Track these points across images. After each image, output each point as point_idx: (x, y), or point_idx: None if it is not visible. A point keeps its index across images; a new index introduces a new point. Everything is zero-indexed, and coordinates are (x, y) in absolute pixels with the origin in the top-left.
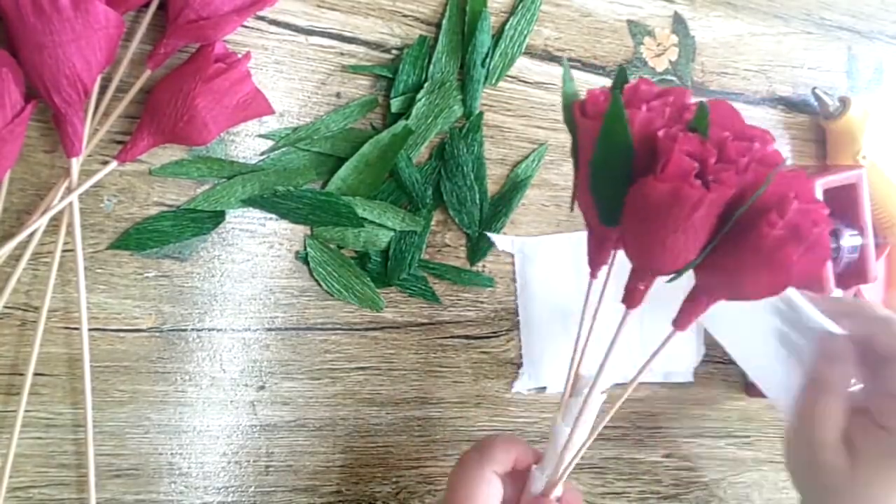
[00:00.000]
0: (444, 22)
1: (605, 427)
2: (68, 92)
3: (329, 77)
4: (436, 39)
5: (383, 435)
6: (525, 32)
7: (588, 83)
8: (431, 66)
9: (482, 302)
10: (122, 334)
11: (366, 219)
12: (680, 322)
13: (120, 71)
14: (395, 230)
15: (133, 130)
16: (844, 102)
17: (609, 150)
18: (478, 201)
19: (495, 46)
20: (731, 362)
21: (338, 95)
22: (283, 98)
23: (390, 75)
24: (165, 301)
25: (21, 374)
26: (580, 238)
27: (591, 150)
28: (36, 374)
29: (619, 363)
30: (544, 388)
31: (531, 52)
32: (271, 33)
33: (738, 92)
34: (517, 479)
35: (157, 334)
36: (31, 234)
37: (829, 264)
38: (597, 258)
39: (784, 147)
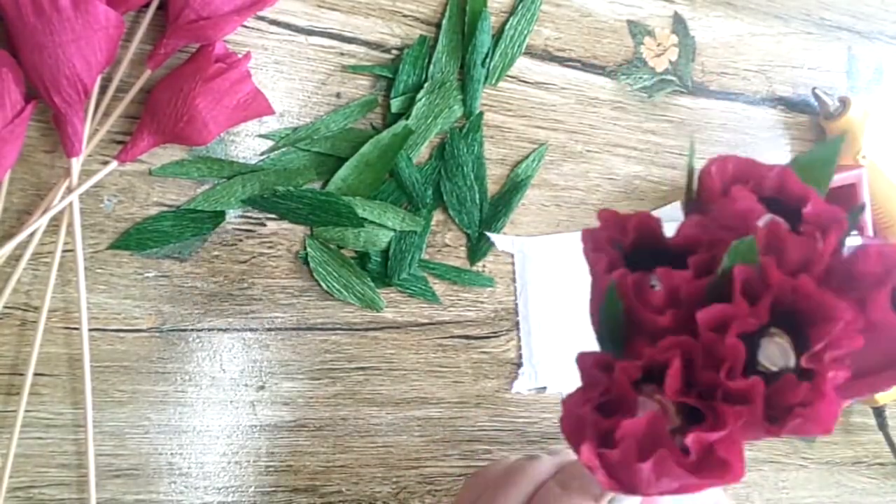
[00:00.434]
0: (444, 22)
1: None
2: (68, 92)
3: (329, 77)
4: (436, 39)
5: (383, 435)
6: (525, 32)
7: (588, 83)
8: (431, 66)
9: (482, 302)
10: (122, 334)
11: (366, 219)
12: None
13: (120, 71)
14: (395, 230)
15: (133, 130)
16: (844, 102)
17: None
18: (478, 201)
19: (495, 46)
20: None
21: (338, 95)
22: (283, 98)
23: (390, 75)
24: (165, 301)
25: (21, 375)
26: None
27: None
28: (36, 374)
29: None
30: (544, 388)
31: (531, 52)
32: (271, 33)
33: (738, 92)
34: None
35: (157, 334)
36: (31, 234)
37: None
38: None
39: (784, 147)
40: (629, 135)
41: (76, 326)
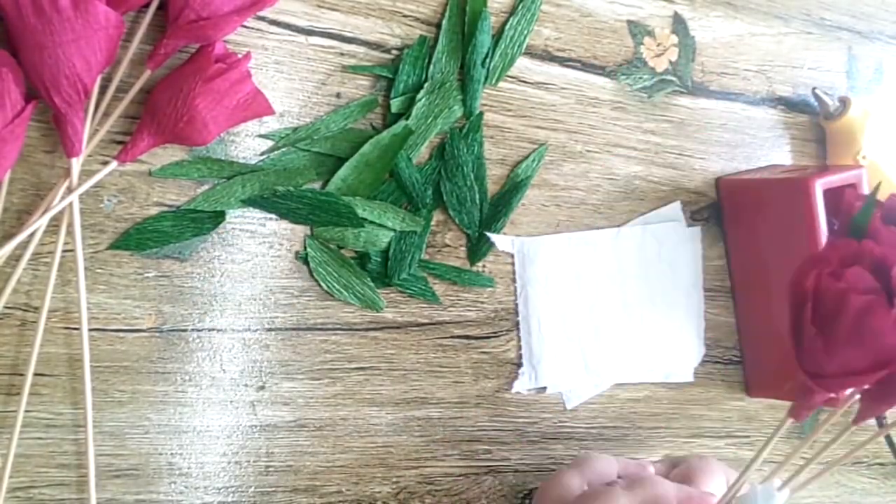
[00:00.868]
0: (444, 22)
1: (605, 427)
2: (68, 92)
3: (329, 77)
4: (436, 39)
5: (383, 435)
6: (525, 32)
7: (588, 83)
8: (431, 67)
9: (482, 302)
10: (122, 334)
11: (366, 219)
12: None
13: (120, 71)
14: (395, 230)
15: (133, 131)
16: (844, 102)
17: None
18: (478, 201)
19: (495, 46)
20: (732, 362)
21: (338, 95)
22: (283, 98)
23: (390, 75)
24: (165, 301)
25: (21, 375)
26: (580, 238)
27: None
28: (36, 375)
29: (620, 363)
30: (544, 388)
31: (531, 53)
32: (271, 33)
33: (738, 92)
34: None
35: (157, 334)
36: (31, 235)
37: None
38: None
39: (784, 147)
40: (629, 135)
41: (76, 326)
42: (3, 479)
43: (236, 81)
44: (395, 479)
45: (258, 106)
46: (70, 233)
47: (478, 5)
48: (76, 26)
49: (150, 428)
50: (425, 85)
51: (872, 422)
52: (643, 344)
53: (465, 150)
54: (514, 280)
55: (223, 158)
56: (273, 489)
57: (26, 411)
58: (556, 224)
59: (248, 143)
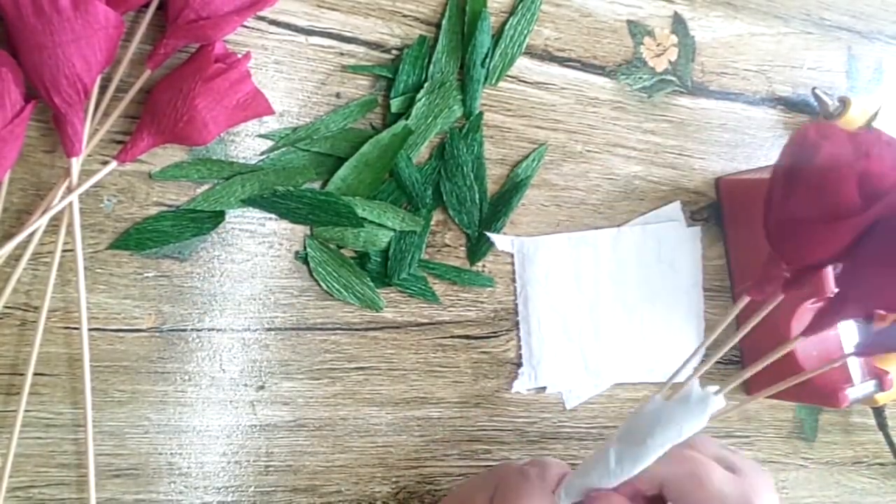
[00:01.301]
0: (444, 22)
1: (605, 427)
2: (68, 92)
3: (329, 77)
4: (436, 39)
5: (383, 435)
6: (525, 32)
7: (588, 83)
8: (431, 66)
9: (482, 302)
10: (121, 334)
11: (366, 219)
12: (809, 329)
13: (120, 71)
14: (395, 230)
15: (133, 131)
16: (844, 102)
17: None
18: (478, 201)
19: (495, 46)
20: (731, 362)
21: (338, 95)
22: (282, 98)
23: (390, 75)
24: (165, 301)
25: (21, 374)
26: (580, 238)
27: None
28: (36, 374)
29: (620, 363)
30: (544, 387)
31: (531, 52)
32: (271, 33)
33: (738, 92)
34: None
35: (157, 334)
36: (31, 234)
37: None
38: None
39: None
40: (629, 135)
41: (76, 326)
42: (2, 479)
43: (236, 81)
44: (395, 479)
45: (258, 106)
46: (70, 233)
47: (478, 5)
48: (76, 26)
49: (150, 428)
50: (425, 85)
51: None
52: (643, 344)
53: (465, 150)
54: (513, 280)
55: (223, 158)
56: (273, 489)
57: (26, 411)
58: (556, 224)
59: (248, 143)
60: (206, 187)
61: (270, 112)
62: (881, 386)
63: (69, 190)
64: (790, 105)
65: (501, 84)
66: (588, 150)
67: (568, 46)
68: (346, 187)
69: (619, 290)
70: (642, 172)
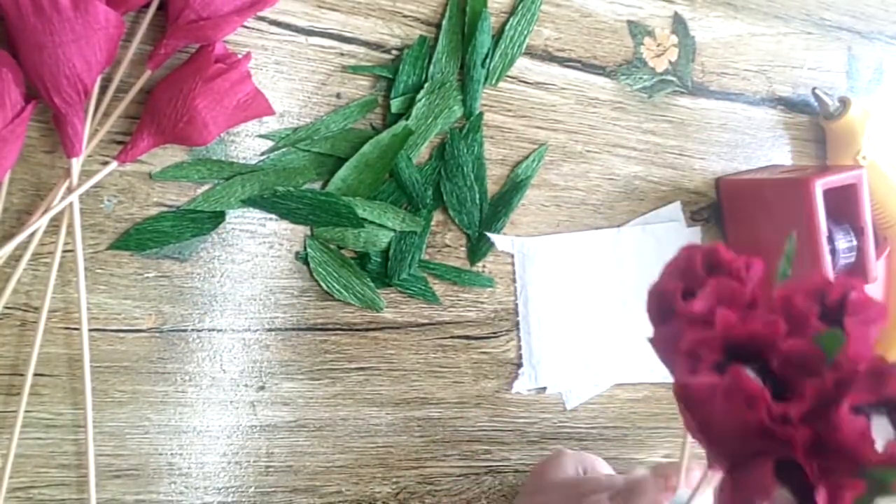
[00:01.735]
0: (444, 22)
1: (605, 427)
2: (68, 92)
3: (329, 77)
4: (436, 40)
5: (383, 435)
6: (525, 33)
7: (588, 83)
8: (431, 67)
9: (482, 302)
10: (122, 334)
11: (366, 219)
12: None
13: (120, 71)
14: (395, 230)
15: (133, 131)
16: (844, 102)
17: None
18: (478, 201)
19: (495, 47)
20: None
21: (338, 96)
22: (283, 98)
23: (390, 76)
24: (165, 301)
25: (21, 375)
26: (580, 238)
27: None
28: (36, 375)
29: (620, 363)
30: (544, 388)
31: (531, 53)
32: (271, 34)
33: (738, 92)
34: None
35: (157, 335)
36: (31, 235)
37: (829, 266)
38: None
39: (784, 147)
40: (629, 135)
41: (76, 327)
42: (3, 479)
43: (236, 82)
44: (395, 479)
45: (258, 106)
46: (70, 233)
47: (478, 5)
48: (76, 26)
49: (150, 428)
50: (425, 85)
51: None
52: (643, 344)
53: (465, 150)
54: (514, 280)
55: (223, 159)
56: (273, 489)
57: (26, 411)
58: (556, 224)
59: (248, 144)
60: (206, 187)
61: (271, 112)
62: None
63: (69, 190)
64: (790, 105)
65: (502, 84)
66: (588, 151)
67: (568, 46)
68: (347, 188)
69: (619, 290)
70: (642, 173)
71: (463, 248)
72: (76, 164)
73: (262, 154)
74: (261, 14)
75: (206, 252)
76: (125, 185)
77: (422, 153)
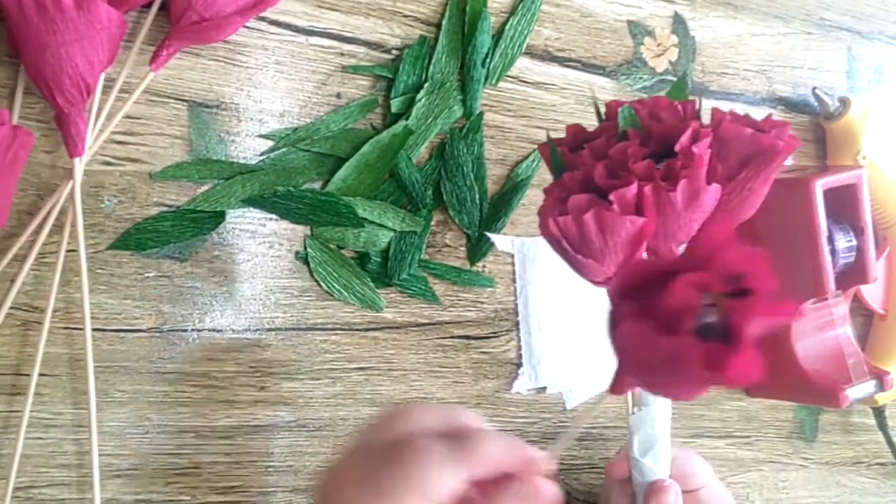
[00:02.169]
0: (444, 22)
1: (606, 427)
2: (71, 92)
3: (329, 77)
4: (436, 39)
5: None
6: (525, 32)
7: (588, 83)
8: (431, 67)
9: (482, 302)
10: (122, 334)
11: (366, 219)
12: (613, 388)
13: (123, 72)
14: (395, 230)
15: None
16: (844, 102)
17: None
18: (478, 201)
19: (495, 46)
20: None
21: (338, 96)
22: (283, 98)
23: (390, 75)
24: (165, 301)
25: (23, 375)
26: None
27: None
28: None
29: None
30: (544, 388)
31: (531, 53)
32: (272, 34)
33: (738, 92)
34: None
35: (158, 334)
36: (33, 235)
37: (829, 266)
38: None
39: None
40: None
41: (77, 326)
42: (9, 480)
43: None
44: None
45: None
46: (72, 233)
47: (478, 5)
48: (79, 26)
49: (150, 428)
50: (425, 85)
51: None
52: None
53: (465, 150)
54: (514, 280)
55: (223, 158)
56: (273, 489)
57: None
58: None
59: (249, 143)
60: (206, 187)
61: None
62: (881, 386)
63: (71, 190)
64: (790, 105)
65: (502, 84)
66: None
67: (568, 46)
68: (347, 187)
69: None
70: None
71: (463, 248)
72: (78, 165)
73: (263, 154)
74: (261, 14)
75: (206, 252)
76: (125, 184)
77: (422, 153)
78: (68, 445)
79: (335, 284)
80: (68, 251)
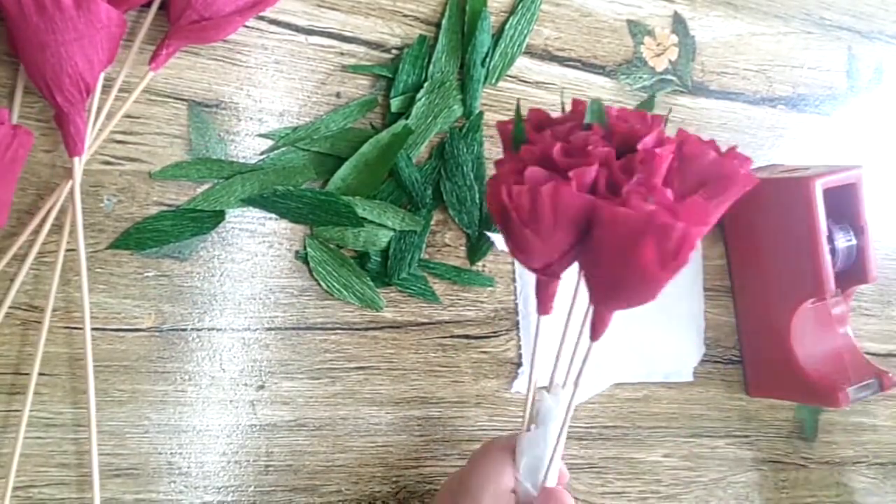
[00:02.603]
0: (444, 22)
1: (605, 427)
2: (70, 91)
3: (329, 77)
4: (436, 39)
5: (383, 435)
6: (525, 32)
7: (588, 83)
8: (431, 66)
9: (482, 302)
10: (121, 334)
11: (366, 218)
12: (592, 334)
13: (123, 72)
14: (395, 230)
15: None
16: None
17: None
18: (478, 201)
19: (495, 46)
20: (731, 362)
21: (338, 95)
22: (282, 98)
23: (390, 75)
24: (165, 301)
25: (22, 374)
26: None
27: None
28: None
29: (620, 363)
30: (544, 387)
31: (531, 52)
32: (271, 33)
33: (738, 92)
34: None
35: (157, 334)
36: (33, 235)
37: (829, 266)
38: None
39: (784, 147)
40: None
41: (76, 326)
42: (8, 479)
43: None
44: (394, 479)
45: None
46: (72, 232)
47: (478, 5)
48: (78, 25)
49: (150, 427)
50: (425, 84)
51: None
52: (643, 344)
53: (465, 150)
54: (513, 280)
55: (223, 158)
56: (273, 489)
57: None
58: None
59: (248, 143)
60: (206, 187)
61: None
62: (881, 386)
63: (71, 190)
64: (790, 105)
65: (501, 84)
66: None
67: (568, 46)
68: (346, 187)
69: None
70: None
71: (463, 248)
72: (78, 164)
73: (262, 153)
74: (261, 13)
75: (205, 251)
76: (125, 184)
77: (421, 153)
78: (68, 445)
79: (335, 284)
80: (68, 250)
